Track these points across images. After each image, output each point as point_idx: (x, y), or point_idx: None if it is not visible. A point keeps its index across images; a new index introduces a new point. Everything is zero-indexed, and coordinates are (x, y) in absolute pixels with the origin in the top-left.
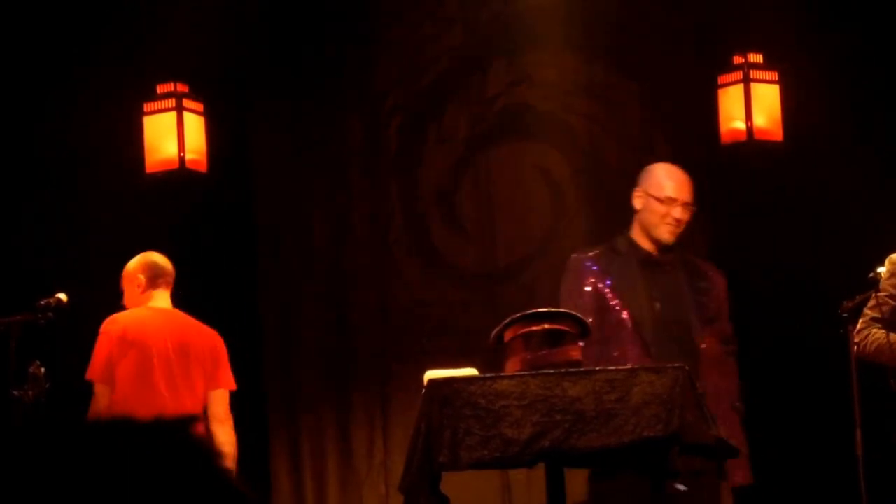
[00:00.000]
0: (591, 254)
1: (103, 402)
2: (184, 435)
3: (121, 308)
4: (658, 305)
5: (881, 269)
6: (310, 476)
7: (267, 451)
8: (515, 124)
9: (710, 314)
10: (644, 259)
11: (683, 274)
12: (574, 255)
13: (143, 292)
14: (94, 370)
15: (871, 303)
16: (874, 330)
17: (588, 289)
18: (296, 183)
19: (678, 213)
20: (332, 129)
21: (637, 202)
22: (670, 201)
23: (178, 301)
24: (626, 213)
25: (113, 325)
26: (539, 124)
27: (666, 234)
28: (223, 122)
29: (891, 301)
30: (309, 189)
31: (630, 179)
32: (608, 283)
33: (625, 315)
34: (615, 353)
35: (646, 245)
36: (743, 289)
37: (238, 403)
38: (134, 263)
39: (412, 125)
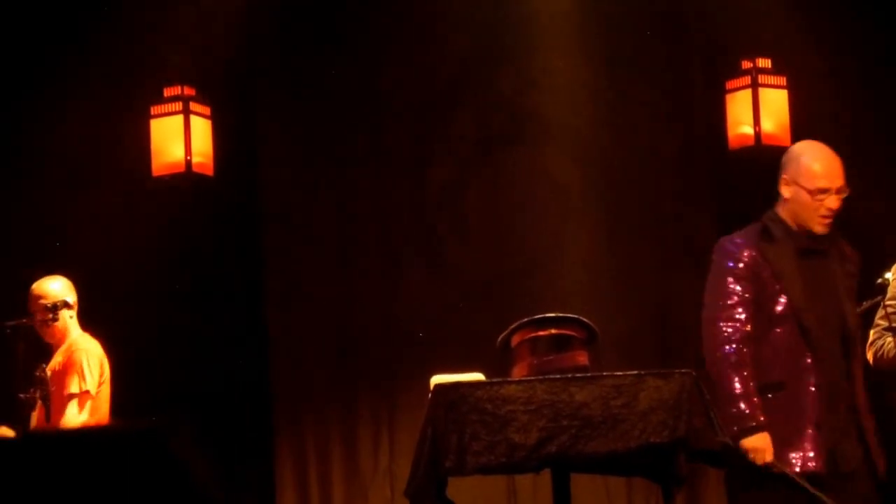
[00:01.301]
0: (739, 239)
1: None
2: (159, 442)
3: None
4: (815, 295)
5: (888, 275)
6: (315, 480)
7: (272, 455)
8: (523, 129)
9: (854, 297)
10: (801, 247)
11: (836, 260)
12: (725, 239)
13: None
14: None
15: (881, 312)
16: (889, 339)
17: (745, 272)
18: (302, 186)
19: (832, 202)
20: (339, 133)
21: (785, 191)
22: (822, 192)
23: (181, 303)
24: (633, 217)
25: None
26: (547, 129)
27: (818, 226)
28: (231, 125)
29: None
30: (316, 192)
31: (637, 183)
32: (767, 269)
33: (785, 303)
34: (777, 345)
35: (800, 231)
36: None
37: (244, 407)
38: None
39: (420, 128)
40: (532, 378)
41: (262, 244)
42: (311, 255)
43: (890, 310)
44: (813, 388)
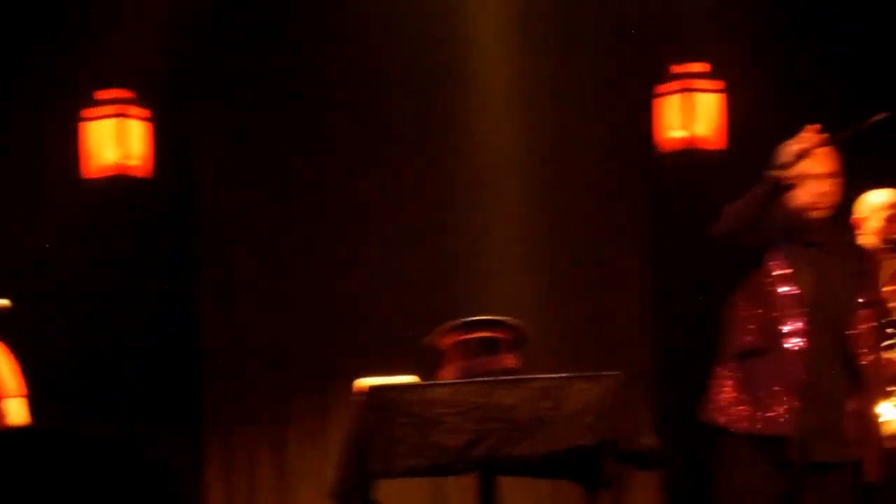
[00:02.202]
0: None
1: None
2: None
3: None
4: (812, 284)
5: None
6: (243, 480)
7: (201, 458)
8: (455, 129)
9: (866, 297)
10: (803, 238)
11: (838, 253)
12: None
13: None
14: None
15: None
16: None
17: None
18: (239, 188)
19: (824, 187)
20: (278, 134)
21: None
22: (814, 177)
23: (113, 306)
24: (564, 219)
25: None
26: (478, 129)
27: (818, 211)
28: (170, 127)
29: None
30: (252, 194)
31: (568, 186)
32: (774, 247)
33: (793, 290)
34: (780, 325)
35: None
36: (684, 297)
37: (174, 408)
38: None
39: (357, 125)
40: (460, 381)
41: (197, 246)
42: (245, 257)
43: None
44: (800, 354)
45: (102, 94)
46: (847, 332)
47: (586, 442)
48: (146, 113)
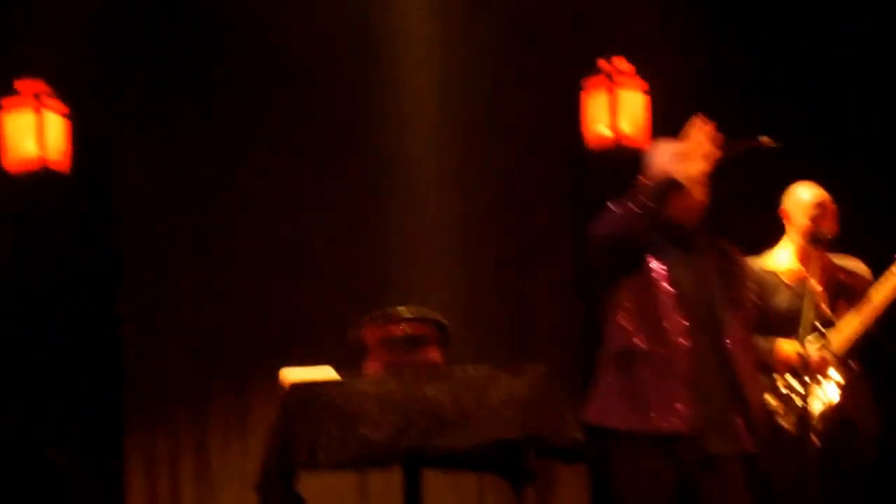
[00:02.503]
0: None
1: None
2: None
3: None
4: (690, 284)
5: None
6: (165, 477)
7: (121, 449)
8: (380, 123)
9: (739, 297)
10: (678, 239)
11: (713, 255)
12: None
13: None
14: None
15: None
16: None
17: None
18: (160, 182)
19: (697, 193)
20: (201, 127)
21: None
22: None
23: (33, 301)
24: (490, 214)
25: None
26: (403, 124)
27: (687, 219)
28: (89, 123)
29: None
30: (176, 187)
31: (492, 181)
32: (652, 248)
33: (669, 287)
34: (663, 324)
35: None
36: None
37: (95, 401)
38: None
39: (282, 116)
40: (384, 375)
41: (118, 241)
42: (166, 252)
43: None
44: (685, 352)
45: (21, 85)
46: (724, 332)
47: (510, 435)
48: (64, 109)
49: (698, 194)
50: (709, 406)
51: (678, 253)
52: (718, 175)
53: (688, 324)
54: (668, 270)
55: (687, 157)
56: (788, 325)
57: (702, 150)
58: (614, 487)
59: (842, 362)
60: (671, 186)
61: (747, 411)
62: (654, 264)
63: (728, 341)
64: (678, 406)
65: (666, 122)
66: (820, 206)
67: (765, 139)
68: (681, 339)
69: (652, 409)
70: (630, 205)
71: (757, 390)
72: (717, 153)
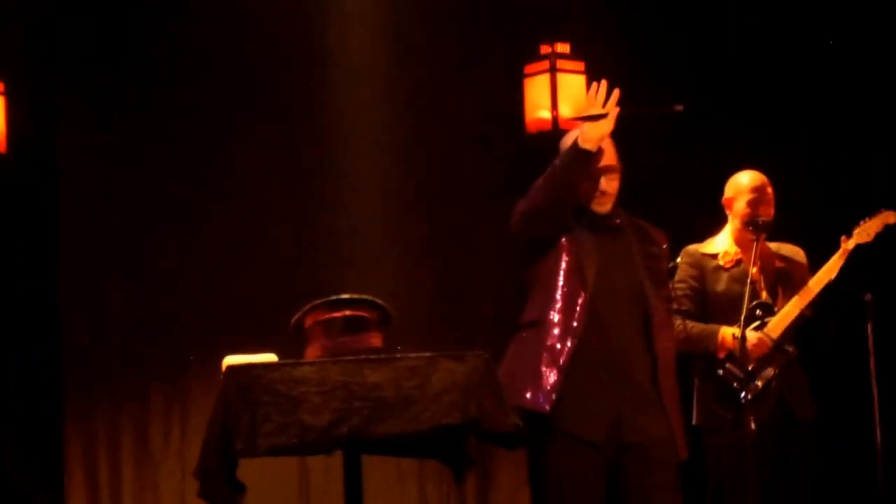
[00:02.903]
0: None
1: None
2: None
3: None
4: (610, 272)
5: (678, 259)
6: (105, 461)
7: (61, 435)
8: (324, 103)
9: (660, 278)
10: (593, 224)
11: (635, 240)
12: None
13: None
14: None
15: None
16: (675, 321)
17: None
18: (103, 164)
19: (603, 183)
20: (144, 109)
21: None
22: (596, 172)
23: None
24: (431, 201)
25: None
26: (345, 114)
27: (597, 206)
28: (28, 100)
29: (691, 293)
30: (116, 172)
31: (435, 167)
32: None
33: (577, 272)
34: (573, 323)
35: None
36: None
37: (34, 387)
38: None
39: (224, 101)
40: (325, 359)
41: (57, 224)
42: (107, 236)
43: (678, 292)
44: (571, 337)
45: None
46: (649, 314)
47: (452, 421)
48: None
49: (605, 158)
50: (633, 388)
51: (589, 236)
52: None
53: (583, 306)
54: (574, 252)
55: (588, 123)
56: (726, 308)
57: (599, 110)
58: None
59: (778, 347)
60: (577, 153)
61: (663, 394)
62: (562, 245)
63: (655, 321)
64: (549, 383)
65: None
66: (757, 190)
67: (677, 107)
68: (569, 320)
69: (533, 384)
70: (546, 178)
71: (671, 374)
72: (614, 112)
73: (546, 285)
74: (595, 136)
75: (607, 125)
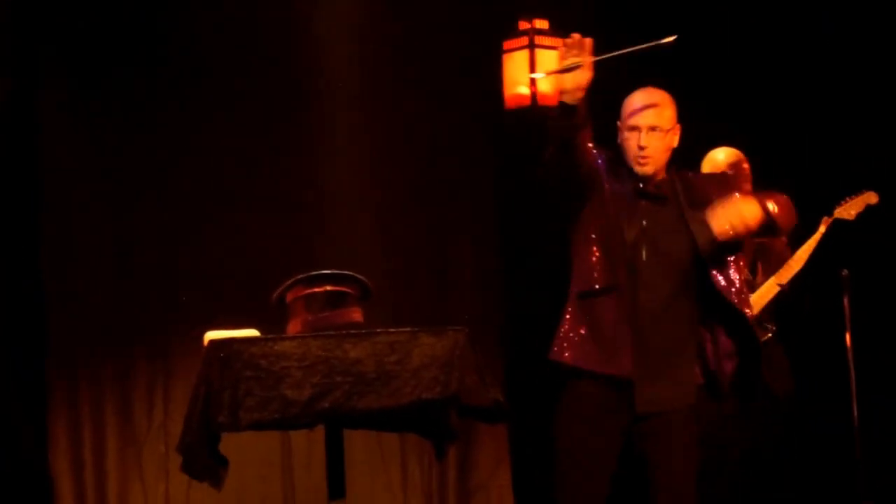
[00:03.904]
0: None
1: None
2: None
3: None
4: (646, 232)
5: None
6: (88, 436)
7: (45, 410)
8: (302, 88)
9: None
10: (636, 189)
11: (685, 203)
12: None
13: None
14: None
15: None
16: None
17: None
18: (85, 137)
19: (643, 139)
20: (128, 85)
21: (619, 135)
22: (631, 129)
23: None
24: (412, 177)
25: None
26: (326, 90)
27: (636, 165)
28: (8, 74)
29: None
30: (97, 143)
31: (414, 143)
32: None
33: (622, 235)
34: (620, 274)
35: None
36: (530, 250)
37: (17, 362)
38: None
39: (203, 79)
40: (306, 334)
41: (40, 196)
42: (90, 210)
43: None
44: (633, 302)
45: None
46: (687, 283)
47: (432, 396)
48: None
49: (640, 116)
50: (660, 357)
51: (634, 200)
52: None
53: (636, 272)
54: (628, 219)
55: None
56: None
57: (575, 62)
58: (562, 424)
59: (757, 323)
60: (563, 109)
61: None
62: (607, 208)
63: (693, 293)
64: (626, 350)
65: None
66: (733, 166)
67: (668, 39)
68: (625, 290)
69: (604, 352)
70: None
71: (693, 341)
72: (589, 61)
73: (601, 256)
74: (572, 86)
75: (583, 75)
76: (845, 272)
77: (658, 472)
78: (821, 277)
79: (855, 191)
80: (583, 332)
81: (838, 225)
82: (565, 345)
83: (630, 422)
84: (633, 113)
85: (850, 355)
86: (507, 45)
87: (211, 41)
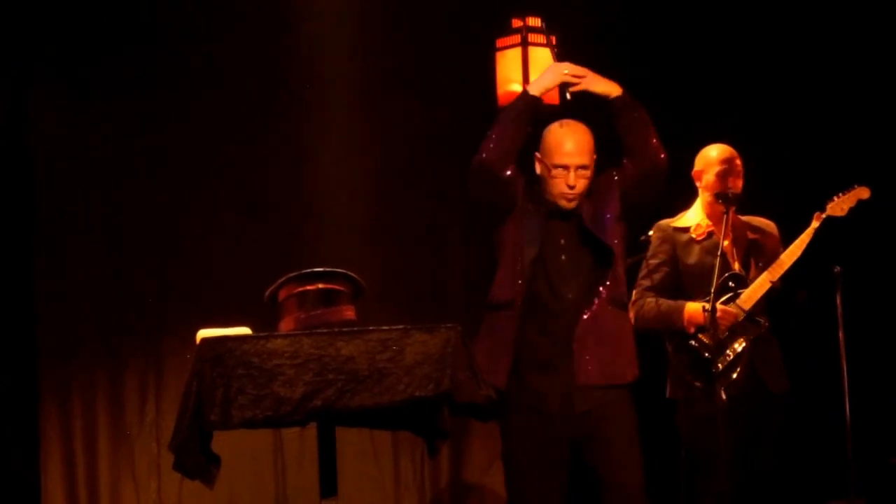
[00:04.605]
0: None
1: None
2: None
3: None
4: (563, 256)
5: (651, 233)
6: (80, 434)
7: (37, 407)
8: (295, 79)
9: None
10: (549, 211)
11: (587, 217)
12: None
13: None
14: None
15: (643, 272)
16: (648, 299)
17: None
18: (76, 136)
19: (571, 179)
20: (119, 77)
21: (536, 167)
22: (559, 167)
23: None
24: (407, 176)
25: None
26: (318, 90)
27: (562, 201)
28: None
29: (665, 267)
30: (89, 142)
31: (410, 142)
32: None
33: (528, 254)
34: (517, 290)
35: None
36: None
37: (8, 364)
38: None
39: (192, 82)
40: (298, 332)
41: (32, 192)
42: (83, 205)
43: (651, 268)
44: (518, 317)
45: None
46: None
47: (424, 393)
48: None
49: (576, 155)
50: (564, 376)
51: (544, 221)
52: None
53: (530, 288)
54: (528, 235)
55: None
56: (699, 280)
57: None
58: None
59: (750, 318)
60: (524, 97)
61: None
62: (518, 227)
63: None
64: (504, 363)
65: None
66: (726, 162)
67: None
68: (518, 301)
69: (495, 363)
70: (494, 124)
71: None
72: (567, 78)
73: (500, 268)
74: (541, 85)
75: (552, 81)
76: (838, 269)
77: (602, 468)
78: (814, 273)
79: (847, 186)
80: (483, 342)
81: (832, 221)
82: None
83: (570, 426)
84: (563, 153)
85: (842, 352)
86: (499, 42)
87: (200, 41)
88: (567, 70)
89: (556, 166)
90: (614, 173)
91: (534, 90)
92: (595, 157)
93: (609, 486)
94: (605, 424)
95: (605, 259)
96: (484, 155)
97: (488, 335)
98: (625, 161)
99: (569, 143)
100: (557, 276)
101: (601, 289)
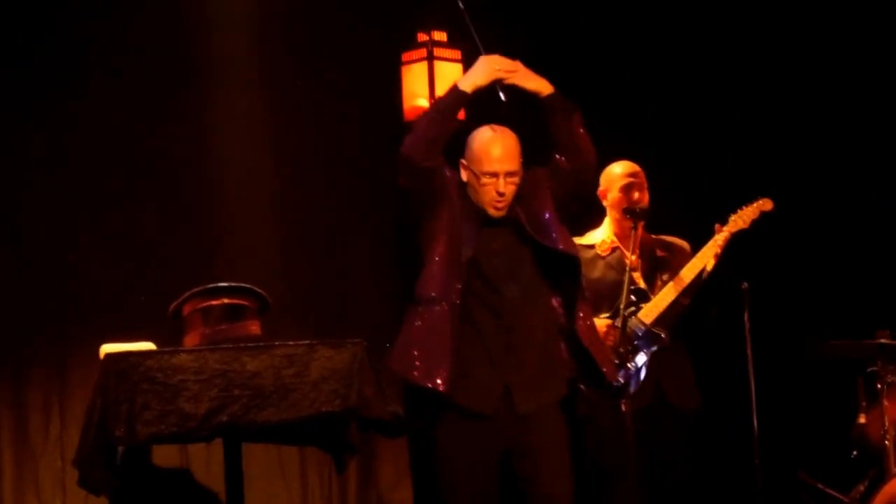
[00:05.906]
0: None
1: None
2: None
3: None
4: (499, 260)
5: None
6: None
7: None
8: (193, 94)
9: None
10: (481, 217)
11: (522, 233)
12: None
13: None
14: None
15: None
16: None
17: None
18: None
19: (501, 186)
20: (14, 90)
21: (462, 174)
22: (488, 174)
23: None
24: (310, 189)
25: None
26: (225, 106)
27: (491, 209)
28: None
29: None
30: None
31: (313, 155)
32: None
33: (460, 255)
34: (457, 302)
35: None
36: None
37: None
38: None
39: (95, 85)
40: (203, 347)
41: None
42: None
43: None
44: (455, 317)
45: None
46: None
47: (331, 408)
48: None
49: (504, 162)
50: (521, 362)
51: (476, 227)
52: None
53: (465, 289)
54: (468, 235)
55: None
56: (602, 295)
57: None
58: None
59: (651, 333)
60: (455, 92)
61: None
62: (449, 228)
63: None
64: (442, 367)
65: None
66: (630, 176)
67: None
68: (455, 300)
69: (426, 362)
70: (425, 113)
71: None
72: (499, 74)
73: (430, 263)
74: (473, 81)
75: (484, 77)
76: (745, 285)
77: (536, 478)
78: (723, 289)
79: (750, 199)
80: (417, 337)
81: (742, 235)
82: (394, 353)
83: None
84: (491, 160)
85: (750, 368)
86: (405, 56)
87: (95, 29)
88: (498, 66)
89: (485, 174)
90: (541, 171)
91: (464, 85)
92: (522, 160)
93: (540, 496)
94: (540, 431)
95: (551, 261)
96: (408, 146)
97: (427, 333)
98: (556, 157)
99: (496, 150)
100: (495, 276)
101: (548, 291)
